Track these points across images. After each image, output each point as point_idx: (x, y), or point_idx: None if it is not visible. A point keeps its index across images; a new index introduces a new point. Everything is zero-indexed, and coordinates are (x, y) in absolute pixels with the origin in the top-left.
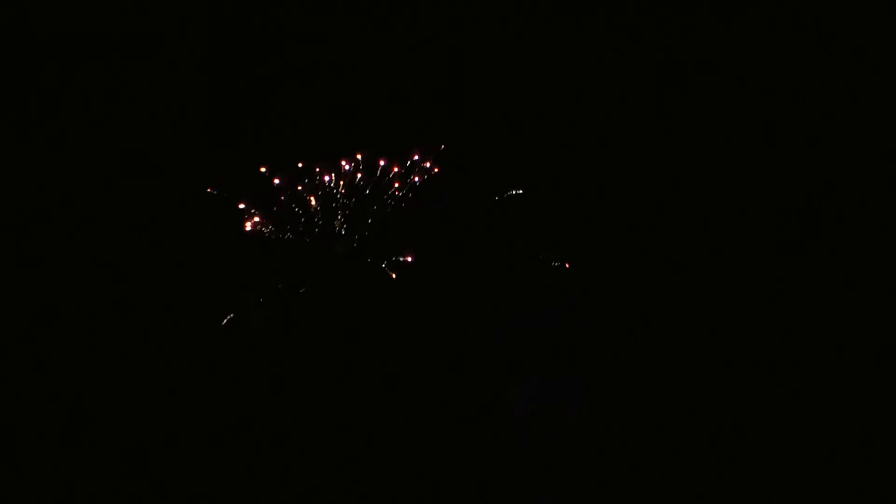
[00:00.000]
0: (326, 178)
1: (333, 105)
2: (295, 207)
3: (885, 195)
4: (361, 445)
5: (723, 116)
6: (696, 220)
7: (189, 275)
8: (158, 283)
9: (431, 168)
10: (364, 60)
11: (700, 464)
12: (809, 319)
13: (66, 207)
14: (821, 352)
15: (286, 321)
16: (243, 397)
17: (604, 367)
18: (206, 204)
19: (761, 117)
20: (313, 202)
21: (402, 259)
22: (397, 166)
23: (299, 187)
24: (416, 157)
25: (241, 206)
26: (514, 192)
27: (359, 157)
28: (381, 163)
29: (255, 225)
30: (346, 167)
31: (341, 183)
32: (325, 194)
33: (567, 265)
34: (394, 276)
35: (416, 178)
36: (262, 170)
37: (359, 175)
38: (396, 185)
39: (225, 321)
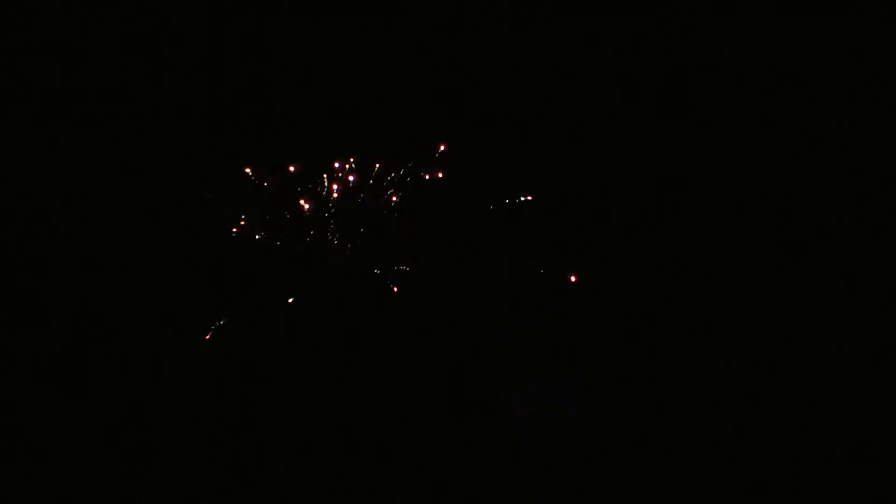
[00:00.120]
0: (322, 181)
1: (330, 106)
2: (286, 213)
3: (885, 195)
4: (361, 445)
5: (723, 117)
6: (697, 220)
7: (182, 277)
8: (150, 285)
9: (433, 172)
10: (364, 60)
11: (700, 464)
12: (809, 319)
13: (63, 208)
14: (821, 352)
15: (285, 322)
16: (241, 397)
17: (604, 367)
18: (198, 206)
19: (761, 118)
20: (307, 207)
21: (402, 267)
22: (395, 170)
23: (301, 192)
24: (412, 163)
25: (237, 210)
26: (523, 199)
27: (352, 161)
28: (377, 166)
29: (243, 229)
30: (340, 171)
31: (335, 186)
32: (320, 199)
33: (573, 278)
34: (395, 289)
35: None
36: (248, 170)
37: (351, 178)
38: (392, 190)
39: (210, 332)
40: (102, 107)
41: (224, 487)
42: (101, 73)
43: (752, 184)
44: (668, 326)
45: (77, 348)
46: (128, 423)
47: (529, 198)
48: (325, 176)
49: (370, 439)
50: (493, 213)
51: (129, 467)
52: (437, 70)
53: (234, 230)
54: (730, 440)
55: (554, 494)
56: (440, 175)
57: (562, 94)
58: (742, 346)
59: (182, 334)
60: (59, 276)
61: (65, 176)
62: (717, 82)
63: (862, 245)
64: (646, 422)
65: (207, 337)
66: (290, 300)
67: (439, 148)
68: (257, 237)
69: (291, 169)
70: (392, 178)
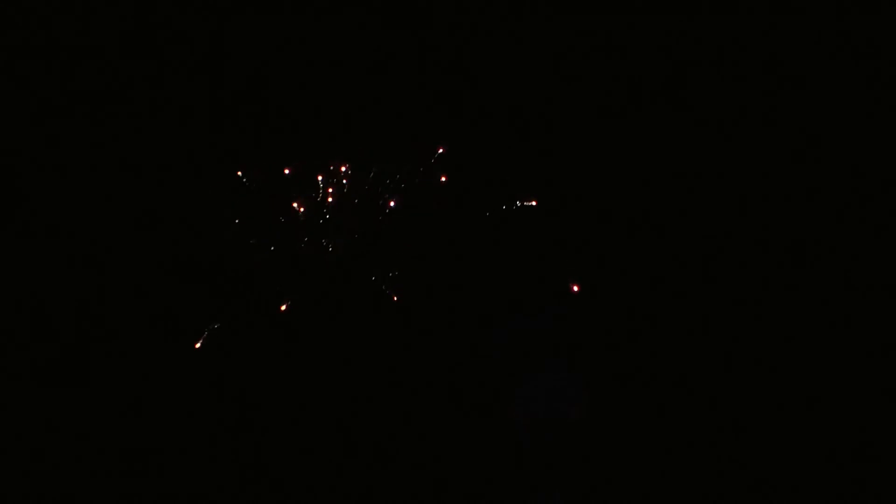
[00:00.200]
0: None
1: (329, 106)
2: (282, 217)
3: (884, 195)
4: (361, 445)
5: (723, 118)
6: (697, 220)
7: (180, 278)
8: (149, 286)
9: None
10: (363, 60)
11: (700, 464)
12: (810, 319)
13: (59, 207)
14: (821, 352)
15: (284, 322)
16: (241, 397)
17: (604, 367)
18: (196, 207)
19: (761, 118)
20: (301, 210)
21: (401, 274)
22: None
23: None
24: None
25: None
26: (524, 203)
27: (346, 165)
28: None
29: (240, 230)
30: (336, 174)
31: (330, 190)
32: (315, 201)
33: (575, 287)
34: (395, 298)
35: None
36: (240, 173)
37: (346, 181)
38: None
39: (201, 339)
40: (101, 106)
41: (224, 488)
42: (101, 72)
43: (751, 184)
44: (668, 326)
45: (76, 348)
46: (127, 423)
47: (533, 203)
48: (319, 178)
49: (370, 439)
50: (493, 213)
51: (129, 467)
52: (438, 70)
53: (232, 231)
54: (730, 440)
55: (554, 494)
56: (442, 178)
57: (562, 94)
58: (742, 346)
59: (180, 335)
60: (59, 276)
61: (62, 176)
62: (718, 83)
63: (862, 245)
64: (646, 422)
65: (197, 346)
66: (290, 300)
67: (439, 150)
68: (255, 239)
69: (286, 172)
70: (391, 180)
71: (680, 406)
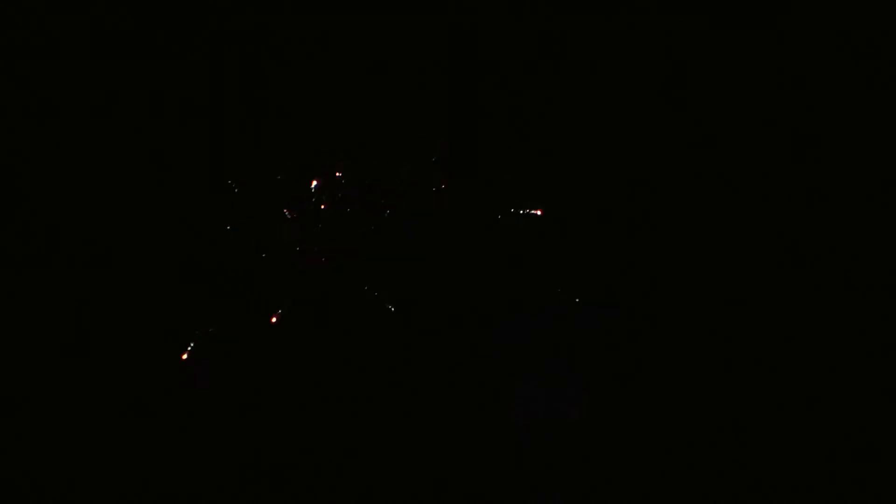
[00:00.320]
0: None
1: (327, 107)
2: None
3: (885, 195)
4: (361, 445)
5: (723, 118)
6: (697, 220)
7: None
8: (148, 286)
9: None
10: (362, 60)
11: (700, 464)
12: (810, 319)
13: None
14: (821, 352)
15: (283, 322)
16: (240, 398)
17: (604, 367)
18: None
19: (761, 119)
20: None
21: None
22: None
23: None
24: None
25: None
26: (530, 211)
27: (339, 171)
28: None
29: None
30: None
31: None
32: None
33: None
34: (392, 308)
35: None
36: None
37: (341, 185)
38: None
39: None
40: (100, 106)
41: (224, 488)
42: (100, 72)
43: (752, 184)
44: (668, 326)
45: (76, 348)
46: (126, 423)
47: (538, 212)
48: (314, 183)
49: (370, 439)
50: (493, 214)
51: (129, 467)
52: (438, 70)
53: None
54: (730, 440)
55: (554, 494)
56: (441, 176)
57: (563, 94)
58: (742, 346)
59: (176, 337)
60: (59, 275)
61: (62, 176)
62: (718, 83)
63: (862, 245)
64: (646, 422)
65: (184, 356)
66: (282, 308)
67: (440, 149)
68: (253, 240)
69: (278, 177)
70: (391, 180)
71: (680, 406)
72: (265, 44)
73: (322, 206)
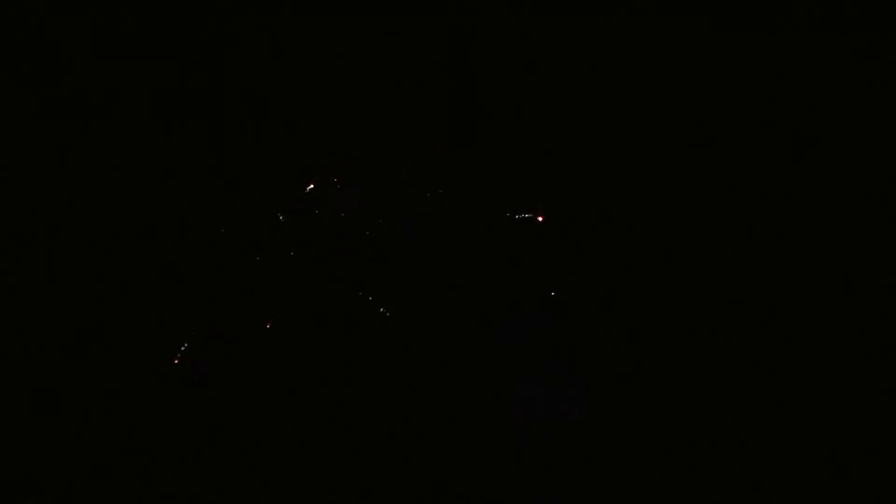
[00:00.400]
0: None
1: (328, 107)
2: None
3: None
4: (361, 445)
5: (723, 119)
6: (697, 221)
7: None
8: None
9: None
10: (363, 60)
11: (700, 464)
12: (810, 319)
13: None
14: (821, 352)
15: (283, 322)
16: (240, 398)
17: (604, 367)
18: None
19: (761, 121)
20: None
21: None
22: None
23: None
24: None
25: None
26: (533, 214)
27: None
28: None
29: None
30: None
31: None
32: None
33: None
34: (388, 314)
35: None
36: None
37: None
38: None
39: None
40: (100, 106)
41: (224, 488)
42: (100, 72)
43: (751, 184)
44: (669, 326)
45: (75, 348)
46: (126, 423)
47: (540, 218)
48: (309, 187)
49: (370, 439)
50: (494, 216)
51: (127, 468)
52: (438, 70)
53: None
54: (730, 440)
55: (554, 494)
56: (441, 175)
57: (562, 94)
58: (742, 346)
59: (172, 338)
60: (60, 276)
61: (61, 176)
62: (718, 82)
63: (862, 245)
64: (646, 422)
65: (176, 361)
66: (289, 301)
67: (440, 149)
68: (253, 241)
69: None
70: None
71: (680, 406)
72: (265, 44)
73: (322, 206)
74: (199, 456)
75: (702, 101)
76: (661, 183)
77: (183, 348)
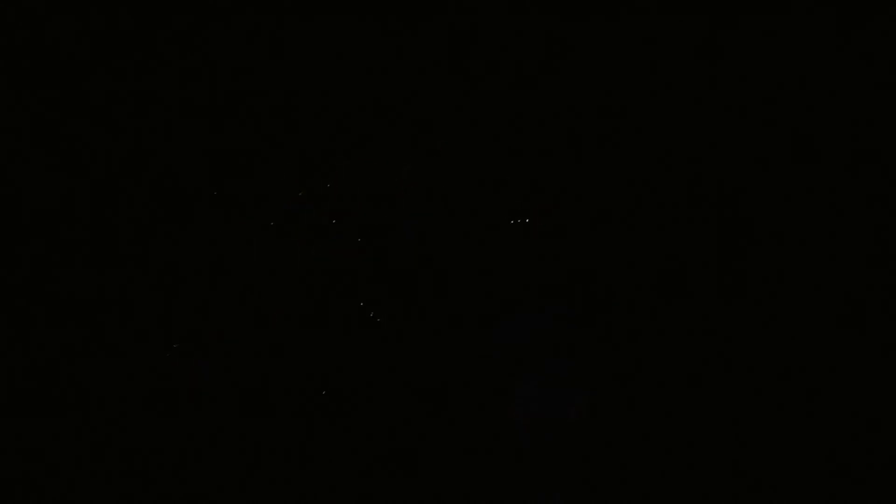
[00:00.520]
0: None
1: (327, 107)
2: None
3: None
4: (361, 445)
5: (723, 119)
6: (697, 220)
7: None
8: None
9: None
10: (362, 60)
11: (700, 464)
12: (810, 319)
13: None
14: (821, 352)
15: (283, 322)
16: (240, 398)
17: (604, 367)
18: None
19: (761, 121)
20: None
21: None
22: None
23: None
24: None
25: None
26: (522, 221)
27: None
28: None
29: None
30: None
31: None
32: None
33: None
34: (378, 319)
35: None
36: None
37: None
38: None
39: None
40: (100, 106)
41: (223, 488)
42: (100, 72)
43: (751, 184)
44: (669, 326)
45: (76, 347)
46: (126, 423)
47: (538, 214)
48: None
49: (369, 439)
50: (494, 215)
51: (127, 468)
52: (438, 70)
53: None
54: (730, 440)
55: (554, 494)
56: (440, 173)
57: (562, 94)
58: (743, 346)
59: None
60: (61, 276)
61: (61, 176)
62: (718, 82)
63: (862, 245)
64: (646, 422)
65: (183, 357)
66: (289, 301)
67: (439, 148)
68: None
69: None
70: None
71: (680, 406)
72: (265, 44)
73: (321, 206)
74: (199, 456)
75: (702, 101)
76: (661, 183)
77: (183, 348)
